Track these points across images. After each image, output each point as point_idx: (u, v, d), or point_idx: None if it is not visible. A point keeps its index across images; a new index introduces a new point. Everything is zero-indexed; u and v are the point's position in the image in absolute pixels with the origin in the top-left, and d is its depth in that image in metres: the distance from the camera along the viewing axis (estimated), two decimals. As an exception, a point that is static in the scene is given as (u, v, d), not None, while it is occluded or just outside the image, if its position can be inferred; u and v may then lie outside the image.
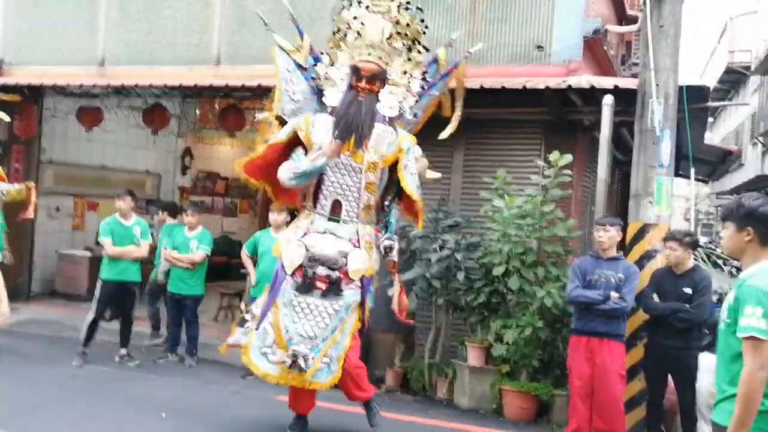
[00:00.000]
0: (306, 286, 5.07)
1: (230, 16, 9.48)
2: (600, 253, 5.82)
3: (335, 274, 5.07)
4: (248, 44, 9.28)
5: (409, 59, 5.19)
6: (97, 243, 9.62)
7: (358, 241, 5.14)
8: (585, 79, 7.22)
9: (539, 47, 8.01)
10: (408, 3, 5.19)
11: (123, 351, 7.88)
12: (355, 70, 5.13)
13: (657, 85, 6.30)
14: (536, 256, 6.90)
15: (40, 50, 10.61)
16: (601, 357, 5.62)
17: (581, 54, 7.91)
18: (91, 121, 10.65)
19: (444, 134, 5.74)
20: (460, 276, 7.08)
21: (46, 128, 11.22)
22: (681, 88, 6.53)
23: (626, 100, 6.91)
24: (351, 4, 5.20)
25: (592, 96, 7.19)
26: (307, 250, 5.09)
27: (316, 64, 5.38)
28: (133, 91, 10.02)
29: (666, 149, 6.28)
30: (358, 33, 5.11)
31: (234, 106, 10.13)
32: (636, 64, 9.75)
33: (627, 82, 7.20)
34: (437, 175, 5.77)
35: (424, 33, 5.31)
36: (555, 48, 7.96)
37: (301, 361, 4.98)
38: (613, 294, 5.59)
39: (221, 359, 8.31)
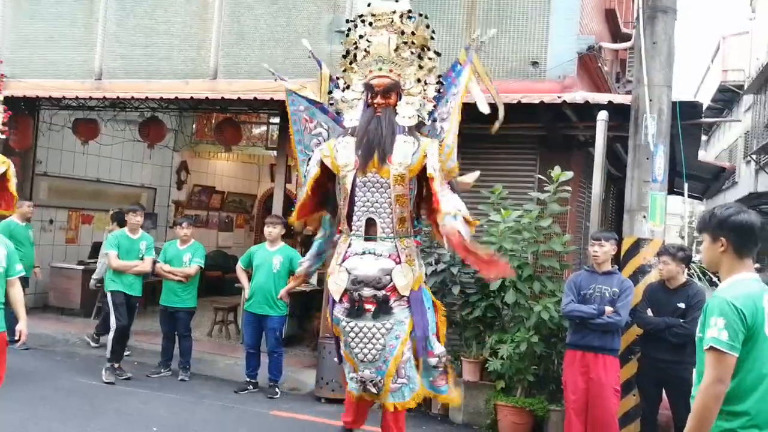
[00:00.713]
0: (355, 311, 5.02)
1: (227, 30, 9.52)
2: (595, 268, 5.84)
3: (381, 293, 4.98)
4: (245, 58, 9.32)
5: (421, 66, 5.11)
6: (91, 256, 9.62)
7: (399, 256, 5.02)
8: (580, 95, 7.27)
9: (534, 63, 8.08)
10: (410, 12, 5.14)
11: (116, 364, 7.79)
12: (369, 88, 5.11)
13: (650, 100, 6.34)
14: (532, 270, 6.91)
15: (37, 63, 10.63)
16: (595, 372, 5.62)
17: (576, 70, 7.97)
18: (87, 134, 10.67)
19: (494, 129, 5.60)
20: (456, 290, 7.08)
21: (42, 141, 11.23)
22: (674, 104, 6.58)
23: (621, 115, 6.96)
24: (356, 25, 5.19)
25: (587, 112, 7.24)
26: (349, 273, 5.03)
27: (331, 92, 5.50)
28: (130, 104, 10.05)
29: (659, 164, 6.32)
30: (366, 51, 5.11)
31: (230, 120, 10.17)
32: (630, 82, 9.81)
33: (621, 98, 7.25)
34: (475, 175, 5.53)
35: (432, 38, 5.23)
36: (550, 64, 8.03)
37: (370, 387, 5.01)
38: (608, 308, 5.60)
39: (215, 374, 8.29)
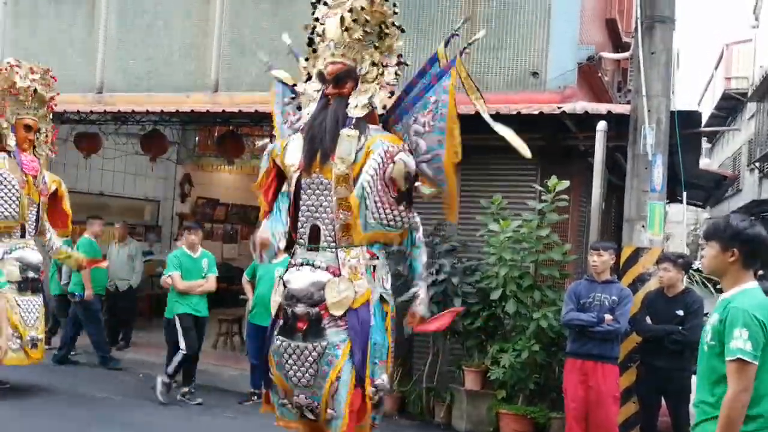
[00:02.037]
0: (288, 328, 4.38)
1: (228, 43, 9.60)
2: (594, 277, 5.87)
3: (314, 310, 4.30)
4: (246, 71, 9.39)
5: (377, 47, 4.40)
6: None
7: (339, 269, 4.31)
8: (579, 105, 7.31)
9: (534, 74, 8.12)
10: None
11: (185, 389, 7.60)
12: (321, 77, 4.46)
13: (649, 110, 6.38)
14: (532, 280, 6.93)
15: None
16: (595, 379, 5.65)
17: (576, 81, 8.01)
18: (89, 147, 10.74)
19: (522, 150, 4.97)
20: (457, 301, 7.10)
21: (45, 155, 11.29)
22: (673, 113, 6.62)
23: (621, 125, 6.99)
24: (316, 8, 4.56)
25: (587, 122, 7.28)
26: (285, 286, 4.42)
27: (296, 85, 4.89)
28: (131, 118, 10.12)
29: (658, 174, 6.36)
30: (320, 35, 4.47)
31: (232, 133, 10.23)
32: (631, 91, 9.85)
33: (620, 108, 7.30)
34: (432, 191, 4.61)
35: (395, 13, 4.49)
36: (550, 75, 8.07)
37: (307, 413, 4.43)
38: (607, 316, 5.63)
39: (219, 385, 8.31)
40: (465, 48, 4.64)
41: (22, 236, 6.98)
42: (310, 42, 4.54)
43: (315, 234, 4.41)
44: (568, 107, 7.26)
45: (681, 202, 11.55)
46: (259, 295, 7.57)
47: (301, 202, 4.44)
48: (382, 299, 4.47)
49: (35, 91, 6.86)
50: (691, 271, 7.41)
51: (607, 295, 5.74)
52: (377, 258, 4.47)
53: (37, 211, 7.15)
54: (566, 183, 6.82)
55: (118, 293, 9.97)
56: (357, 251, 4.37)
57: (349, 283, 4.30)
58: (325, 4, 4.43)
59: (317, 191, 4.39)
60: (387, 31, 4.43)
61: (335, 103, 4.39)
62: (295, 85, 4.83)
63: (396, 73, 4.53)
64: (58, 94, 7.06)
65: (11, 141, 6.77)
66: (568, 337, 5.96)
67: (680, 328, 5.66)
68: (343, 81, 4.39)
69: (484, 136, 7.74)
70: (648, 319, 5.87)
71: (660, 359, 5.72)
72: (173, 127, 11.51)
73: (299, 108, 4.70)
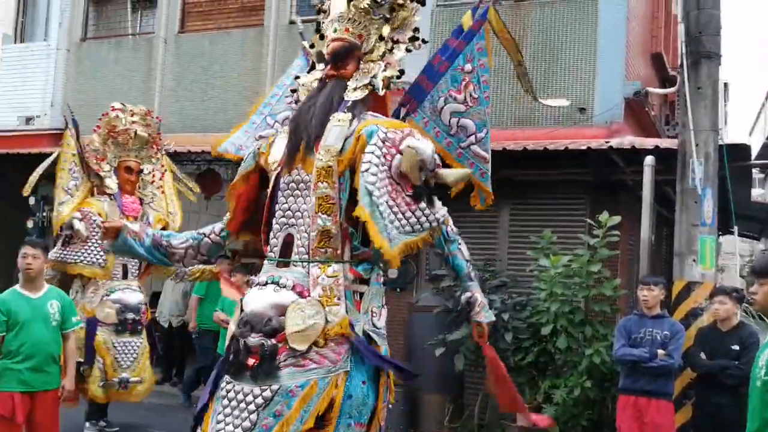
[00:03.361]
0: (236, 366, 3.24)
1: (281, 85, 9.88)
2: (645, 312, 5.86)
3: (270, 342, 3.18)
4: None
5: (387, 19, 3.53)
6: (152, 305, 9.78)
7: (309, 289, 3.24)
8: (627, 140, 7.36)
9: (581, 110, 8.21)
10: None
11: None
12: (320, 57, 3.63)
13: (697, 145, 6.40)
14: (584, 315, 6.94)
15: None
16: (649, 416, 5.60)
17: (623, 115, 8.08)
18: (211, 188, 10.95)
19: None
20: (508, 336, 7.12)
21: (102, 193, 11.72)
22: (721, 147, 6.62)
23: (668, 159, 7.01)
24: None
25: (635, 156, 7.32)
26: (242, 311, 3.40)
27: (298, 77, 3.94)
28: (187, 157, 10.47)
29: (708, 208, 6.35)
30: (325, 12, 3.67)
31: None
32: (679, 124, 9.85)
33: (668, 143, 7.33)
34: (464, 172, 3.58)
35: None
36: (597, 110, 8.15)
37: None
38: (660, 351, 5.60)
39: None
40: None
41: (124, 277, 7.03)
42: (318, 27, 3.70)
43: (288, 245, 3.40)
44: (615, 142, 7.31)
45: (734, 233, 11.40)
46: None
47: (276, 206, 3.45)
48: (369, 338, 3.32)
49: (135, 132, 7.04)
50: (745, 304, 7.32)
51: (659, 330, 5.72)
52: (365, 283, 3.37)
53: None
54: (617, 218, 6.84)
55: (172, 330, 10.20)
56: (336, 269, 3.26)
57: (318, 307, 3.19)
58: None
59: (296, 191, 3.39)
60: (401, 2, 3.58)
61: (331, 85, 3.48)
62: (297, 77, 3.85)
63: (408, 50, 3.59)
64: (160, 134, 7.23)
65: (113, 184, 6.92)
66: (621, 373, 5.93)
67: (736, 362, 5.60)
68: (343, 60, 3.48)
69: (532, 171, 7.92)
70: (702, 354, 5.82)
71: (716, 395, 5.65)
72: (227, 166, 11.83)
73: (297, 102, 3.75)
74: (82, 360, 5.89)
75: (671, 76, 11.53)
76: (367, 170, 3.13)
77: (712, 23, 6.59)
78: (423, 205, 3.31)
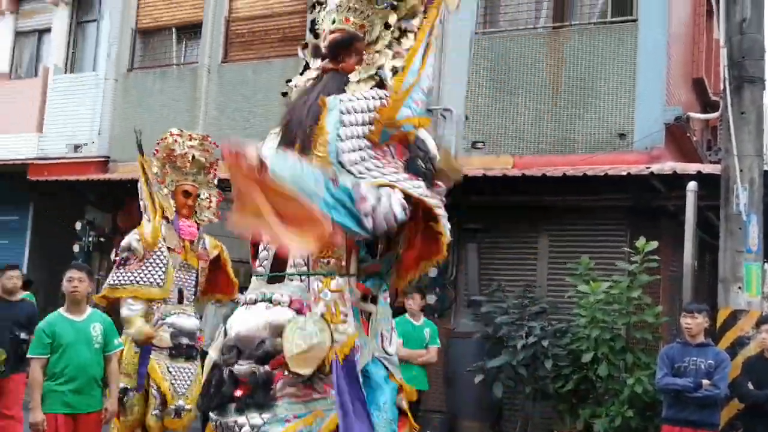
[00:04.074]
0: (218, 398, 2.81)
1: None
2: (688, 340, 5.75)
3: (262, 369, 2.71)
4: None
5: (395, 7, 3.07)
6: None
7: (309, 306, 2.73)
8: (668, 166, 7.30)
9: (621, 135, 8.16)
10: None
11: None
12: (317, 51, 3.18)
13: (741, 170, 6.31)
14: (625, 342, 6.84)
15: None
16: (695, 447, 5.48)
17: (663, 141, 8.00)
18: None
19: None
20: (548, 363, 7.04)
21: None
22: (766, 172, 6.51)
23: (711, 185, 6.92)
24: None
25: (676, 182, 7.24)
26: (226, 334, 2.92)
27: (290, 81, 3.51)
28: (229, 185, 10.64)
29: (753, 234, 6.23)
30: (320, 4, 3.25)
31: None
32: (722, 149, 9.73)
33: (710, 168, 7.24)
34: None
35: None
36: (637, 136, 8.09)
37: None
38: (705, 381, 5.47)
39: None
40: None
41: (180, 302, 7.05)
42: (312, 26, 3.30)
43: (281, 259, 2.91)
44: (656, 168, 7.25)
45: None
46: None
47: None
48: (382, 366, 2.85)
49: (193, 157, 7.14)
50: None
51: (703, 359, 5.60)
52: (373, 302, 2.85)
53: (196, 277, 7.22)
54: (655, 244, 6.76)
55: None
56: (341, 282, 2.74)
57: (322, 323, 2.66)
58: None
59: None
60: None
61: (328, 77, 3.03)
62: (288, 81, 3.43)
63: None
64: (217, 160, 7.33)
65: (170, 208, 7.01)
66: (664, 403, 5.81)
67: (785, 393, 5.46)
68: (342, 53, 3.03)
69: (571, 197, 7.88)
70: (750, 384, 5.69)
71: (763, 425, 5.51)
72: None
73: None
74: (128, 387, 5.92)
75: (713, 100, 11.39)
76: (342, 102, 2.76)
77: (756, 48, 6.53)
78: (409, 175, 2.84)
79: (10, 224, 12.73)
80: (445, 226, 2.70)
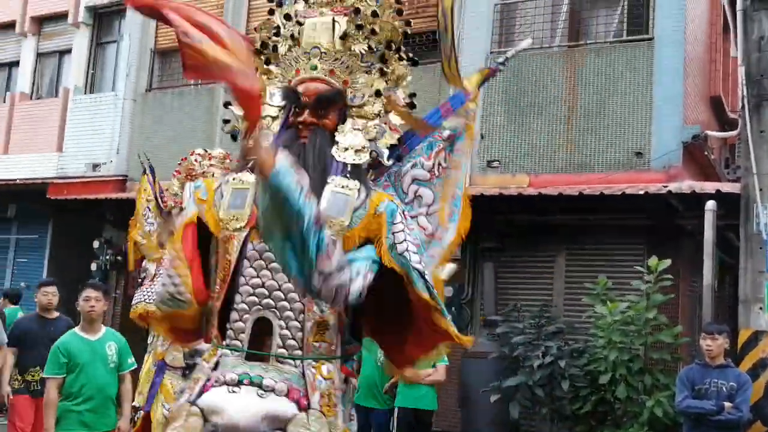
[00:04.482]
0: None
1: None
2: (708, 362, 5.67)
3: None
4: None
5: (383, 72, 2.90)
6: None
7: (307, 396, 2.53)
8: (686, 185, 7.24)
9: (638, 154, 8.11)
10: None
11: None
12: (291, 96, 2.86)
13: (761, 189, 6.25)
14: (643, 363, 6.75)
15: (162, 165, 11.55)
16: (716, 470, 5.38)
17: (681, 160, 7.95)
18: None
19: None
20: (565, 384, 6.97)
21: (167, 238, 12.06)
22: (787, 191, 6.44)
23: (730, 204, 6.86)
24: (281, 3, 3.02)
25: (695, 201, 7.18)
26: (206, 420, 2.54)
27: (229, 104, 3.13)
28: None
29: (774, 254, 6.16)
30: (293, 38, 2.91)
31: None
32: (740, 167, 9.65)
33: (729, 187, 7.18)
34: (452, 267, 3.24)
35: (407, 34, 2.94)
36: (654, 154, 8.04)
37: None
38: (727, 404, 5.39)
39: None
40: (504, 61, 3.20)
41: None
42: (263, 48, 2.98)
43: (261, 335, 2.65)
44: (674, 187, 7.20)
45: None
46: (363, 376, 7.66)
47: (242, 280, 2.67)
48: None
49: (213, 175, 7.15)
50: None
51: (724, 381, 5.51)
52: (351, 380, 2.79)
53: None
54: (668, 262, 6.69)
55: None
56: (331, 368, 2.61)
57: (322, 420, 2.53)
58: (306, 0, 2.96)
59: (273, 264, 2.63)
60: (395, 55, 2.96)
61: (315, 137, 2.79)
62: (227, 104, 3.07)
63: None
64: None
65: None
66: (684, 425, 5.72)
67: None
68: (326, 108, 2.82)
69: (589, 216, 7.83)
70: (771, 407, 5.60)
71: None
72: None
73: (233, 137, 3.06)
74: (137, 405, 5.93)
75: (731, 118, 11.32)
76: (406, 250, 2.55)
77: (774, 66, 6.49)
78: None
79: (29, 242, 12.87)
80: (447, 317, 2.49)
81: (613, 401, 6.83)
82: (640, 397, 6.59)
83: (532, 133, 8.69)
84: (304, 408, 2.49)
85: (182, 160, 6.95)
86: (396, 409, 7.39)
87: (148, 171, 7.00)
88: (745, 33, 6.59)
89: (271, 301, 2.61)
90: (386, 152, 2.83)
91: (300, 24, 2.88)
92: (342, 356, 2.65)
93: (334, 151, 2.76)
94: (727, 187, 7.18)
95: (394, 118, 2.88)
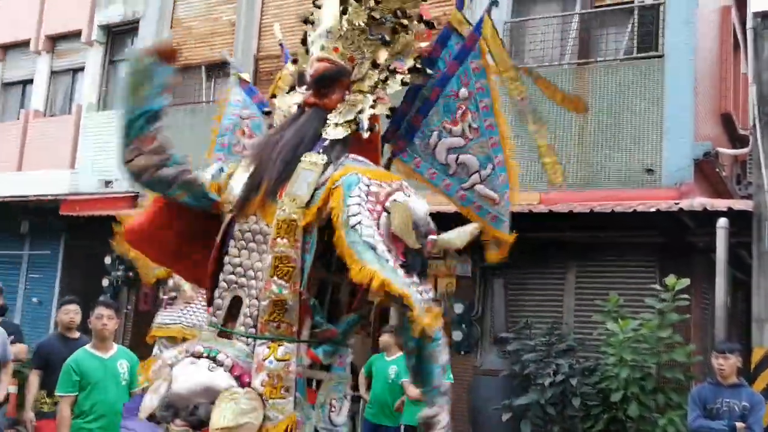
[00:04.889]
0: None
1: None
2: (720, 381, 5.63)
3: None
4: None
5: (388, 42, 2.81)
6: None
7: (250, 372, 2.53)
8: (697, 202, 7.21)
9: (649, 171, 8.09)
10: None
11: None
12: (301, 79, 2.94)
13: (773, 207, 6.23)
14: (656, 382, 6.71)
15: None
16: (729, 492, 5.33)
17: (692, 176, 7.93)
18: None
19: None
20: (576, 402, 6.94)
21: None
22: (799, 209, 6.42)
23: (742, 221, 6.83)
24: None
25: (707, 218, 7.15)
26: (168, 388, 2.66)
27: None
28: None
29: (787, 272, 6.13)
30: (313, 24, 2.92)
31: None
32: (752, 183, 9.62)
33: (741, 204, 7.15)
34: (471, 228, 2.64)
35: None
36: (665, 171, 8.02)
37: None
38: (739, 424, 5.35)
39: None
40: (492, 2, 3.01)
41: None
42: (304, 39, 3.00)
43: (235, 310, 2.70)
44: (685, 204, 7.18)
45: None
46: (374, 394, 7.64)
47: (225, 259, 2.72)
48: None
49: None
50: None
51: (737, 400, 5.47)
52: (325, 369, 2.67)
53: None
54: (686, 281, 6.66)
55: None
56: (288, 349, 2.54)
57: (256, 401, 2.48)
58: None
59: (252, 243, 2.68)
60: (404, 22, 2.86)
61: (307, 115, 2.79)
62: (273, 96, 3.24)
63: (404, 83, 2.85)
64: None
65: None
66: (697, 445, 5.69)
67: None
68: (328, 86, 2.78)
69: (599, 233, 7.81)
70: (786, 427, 5.55)
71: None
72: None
73: (270, 127, 3.09)
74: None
75: (741, 135, 11.29)
76: (359, 223, 2.42)
77: (784, 83, 6.49)
78: (415, 279, 2.46)
79: (42, 258, 12.95)
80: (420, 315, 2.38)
81: (625, 420, 6.79)
82: (653, 416, 6.55)
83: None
84: (245, 385, 2.49)
85: None
86: (402, 427, 7.40)
87: None
88: (756, 51, 6.61)
89: (244, 280, 2.65)
90: (366, 123, 2.72)
91: (319, 8, 2.88)
92: (308, 340, 2.57)
93: (324, 128, 2.73)
94: (739, 205, 7.15)
95: (390, 88, 2.79)
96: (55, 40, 13.64)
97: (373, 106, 2.73)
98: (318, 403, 2.61)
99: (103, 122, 12.69)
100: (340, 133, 2.71)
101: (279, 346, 2.53)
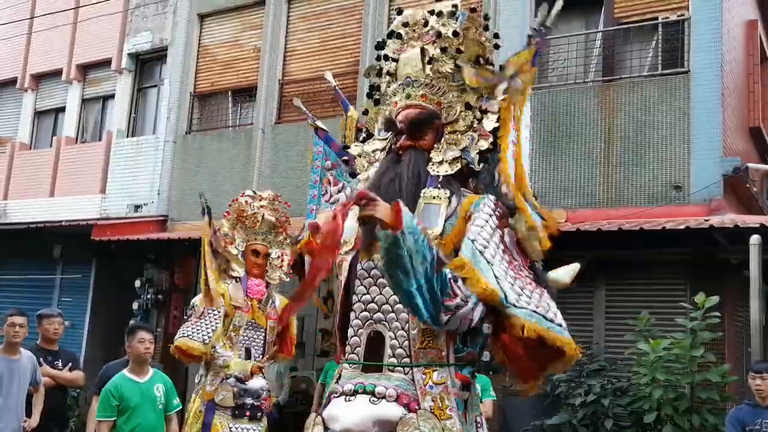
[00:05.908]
0: None
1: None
2: (759, 401, 5.52)
3: None
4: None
5: (473, 89, 3.02)
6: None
7: (417, 399, 2.63)
8: (728, 218, 7.12)
9: (677, 188, 8.02)
10: (455, 7, 3.05)
11: None
12: (391, 125, 3.07)
13: (805, 222, 6.12)
14: (690, 402, 6.59)
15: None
16: None
17: (722, 192, 7.84)
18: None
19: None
20: (608, 423, 6.84)
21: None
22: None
23: (774, 237, 6.72)
24: (385, 44, 3.20)
25: (738, 234, 7.05)
26: (326, 428, 2.74)
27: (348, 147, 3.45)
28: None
29: (823, 289, 6.00)
30: (390, 75, 3.12)
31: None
32: (784, 199, 9.47)
33: (773, 220, 7.03)
34: (574, 267, 2.93)
35: (497, 46, 3.07)
36: (694, 188, 7.95)
37: None
38: (779, 446, 5.24)
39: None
40: (542, 29, 2.93)
41: (247, 359, 6.86)
42: (371, 91, 3.26)
43: (375, 345, 2.80)
44: (716, 221, 7.09)
45: None
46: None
47: (354, 298, 2.84)
48: None
49: (263, 217, 7.18)
50: None
51: (776, 421, 5.37)
52: (469, 388, 2.83)
53: (264, 336, 7.11)
54: (716, 299, 6.56)
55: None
56: (443, 374, 2.70)
57: (434, 421, 2.60)
58: (399, 36, 3.13)
59: (381, 280, 2.77)
60: (488, 67, 3.07)
61: (412, 156, 2.95)
62: (345, 147, 3.48)
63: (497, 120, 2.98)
64: (287, 217, 7.30)
65: (239, 267, 6.98)
66: (735, 467, 5.57)
67: None
68: (422, 130, 2.98)
69: (628, 251, 7.73)
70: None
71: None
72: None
73: (353, 175, 3.27)
74: None
75: (773, 150, 11.16)
76: (481, 229, 2.61)
77: (814, 97, 6.40)
78: (547, 294, 2.64)
79: (73, 282, 13.11)
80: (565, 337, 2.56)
81: (660, 441, 6.68)
82: (687, 437, 6.43)
83: (569, 168, 8.67)
84: (415, 411, 2.60)
85: (233, 201, 6.99)
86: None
87: (205, 211, 6.94)
88: (784, 65, 6.53)
89: (381, 315, 2.76)
90: (476, 158, 2.92)
91: (395, 61, 3.09)
92: (456, 363, 2.75)
93: (429, 167, 2.92)
94: (771, 221, 7.04)
95: (487, 125, 2.95)
96: (86, 68, 13.92)
97: (477, 141, 2.93)
98: (469, 422, 2.77)
99: (132, 148, 12.91)
100: (450, 169, 2.91)
101: (433, 371, 2.69)
